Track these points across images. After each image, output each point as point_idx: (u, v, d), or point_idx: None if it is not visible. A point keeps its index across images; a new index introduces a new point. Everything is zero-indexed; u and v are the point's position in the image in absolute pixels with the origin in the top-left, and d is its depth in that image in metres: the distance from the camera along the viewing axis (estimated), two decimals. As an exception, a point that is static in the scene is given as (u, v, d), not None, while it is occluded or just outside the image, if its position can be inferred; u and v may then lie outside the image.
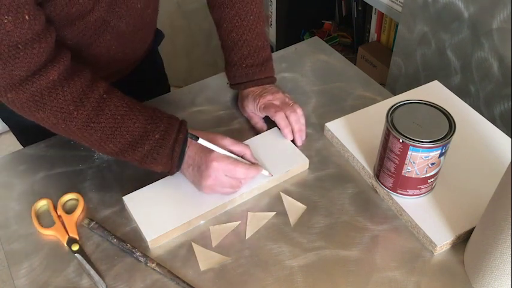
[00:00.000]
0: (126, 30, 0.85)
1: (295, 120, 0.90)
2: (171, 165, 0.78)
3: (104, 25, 0.80)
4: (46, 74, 0.68)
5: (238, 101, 0.99)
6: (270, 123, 0.94)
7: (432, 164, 0.75)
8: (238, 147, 0.82)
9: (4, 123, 1.04)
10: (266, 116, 0.93)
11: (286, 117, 0.90)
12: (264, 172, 0.83)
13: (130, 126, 0.75)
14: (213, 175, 0.77)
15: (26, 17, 0.63)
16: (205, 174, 0.77)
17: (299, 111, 0.92)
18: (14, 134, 1.08)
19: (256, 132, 0.95)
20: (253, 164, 0.82)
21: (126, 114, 0.75)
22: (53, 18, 0.73)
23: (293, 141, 0.91)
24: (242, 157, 0.82)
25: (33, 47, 0.66)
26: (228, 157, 0.79)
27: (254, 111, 0.94)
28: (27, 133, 0.99)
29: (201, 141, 0.77)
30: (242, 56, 0.93)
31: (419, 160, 0.74)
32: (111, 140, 0.75)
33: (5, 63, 0.65)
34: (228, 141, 0.81)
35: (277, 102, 0.92)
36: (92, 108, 0.73)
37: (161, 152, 0.76)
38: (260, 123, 0.95)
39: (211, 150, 0.78)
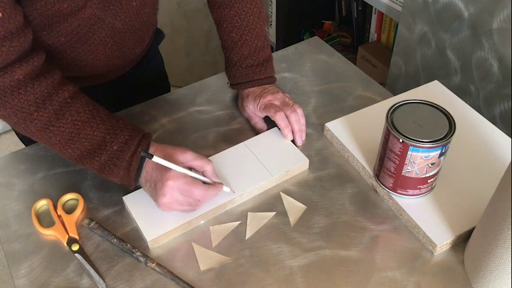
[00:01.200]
0: (122, 28, 0.85)
1: (295, 120, 0.90)
2: (128, 178, 0.76)
3: (98, 22, 0.81)
4: (11, 73, 0.68)
5: (238, 101, 0.99)
6: (270, 123, 0.94)
7: (432, 164, 0.75)
8: (198, 163, 0.77)
9: (5, 123, 1.04)
10: (266, 116, 0.93)
11: (286, 117, 0.90)
12: (225, 189, 0.80)
13: (89, 134, 0.74)
14: (169, 194, 0.74)
15: (0, 14, 0.64)
16: (160, 193, 0.74)
17: (299, 111, 0.92)
18: (16, 133, 1.08)
19: (256, 132, 0.95)
20: (214, 182, 0.79)
21: (87, 121, 0.74)
22: (45, 13, 0.73)
23: (293, 141, 0.91)
24: (203, 173, 0.79)
25: (3, 44, 0.66)
26: (185, 176, 0.75)
27: (254, 111, 0.94)
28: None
29: (155, 159, 0.72)
30: (242, 56, 0.93)
31: (419, 160, 0.74)
32: (69, 146, 0.74)
33: None
34: (189, 156, 0.77)
35: (277, 102, 0.92)
36: (53, 111, 0.72)
37: (118, 164, 0.75)
38: (260, 123, 0.95)
39: (169, 168, 0.74)
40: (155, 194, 0.76)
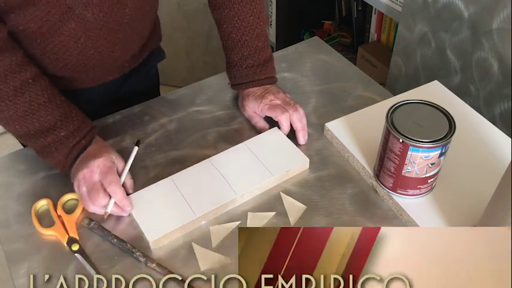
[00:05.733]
0: (94, 22, 0.82)
1: (298, 119, 0.90)
2: (63, 164, 0.81)
3: (68, 11, 0.78)
4: None
5: (238, 101, 0.99)
6: (271, 123, 0.94)
7: (432, 164, 0.75)
8: (121, 163, 0.83)
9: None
10: (266, 115, 0.93)
11: (294, 112, 0.90)
12: (110, 208, 0.79)
13: (42, 116, 0.78)
14: (91, 168, 0.78)
15: None
16: (84, 164, 0.79)
17: (301, 111, 0.92)
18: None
19: (256, 132, 0.95)
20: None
21: (43, 104, 0.78)
22: None
23: (294, 139, 0.91)
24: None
25: None
26: (115, 166, 0.80)
27: (255, 111, 0.94)
28: None
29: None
30: (242, 56, 0.93)
31: (419, 160, 0.74)
32: (19, 122, 0.78)
33: None
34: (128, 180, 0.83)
35: (279, 102, 0.92)
36: (13, 88, 0.75)
37: (60, 149, 0.80)
38: (261, 123, 0.95)
39: (107, 151, 0.81)
40: (78, 164, 0.80)
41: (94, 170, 0.78)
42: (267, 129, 0.94)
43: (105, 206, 0.78)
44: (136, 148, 0.87)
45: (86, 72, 0.92)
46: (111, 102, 1.05)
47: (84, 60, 0.88)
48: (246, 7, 0.91)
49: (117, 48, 0.90)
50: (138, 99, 1.02)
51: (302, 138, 0.91)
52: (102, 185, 0.78)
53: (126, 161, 0.84)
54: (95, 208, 0.79)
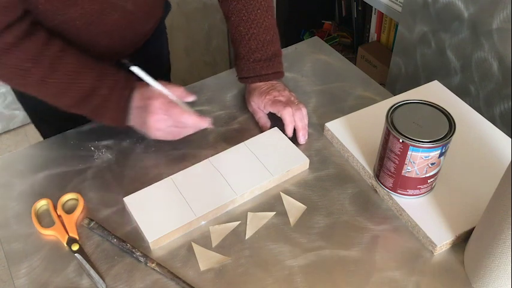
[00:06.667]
0: (133, 9, 0.88)
1: (300, 119, 0.91)
2: (119, 118, 0.84)
3: (110, 6, 0.84)
4: (2, 39, 0.74)
5: (245, 95, 1.00)
6: (273, 121, 0.94)
7: (432, 164, 0.75)
8: (178, 92, 0.87)
9: (5, 123, 1.05)
10: (270, 112, 0.93)
11: (296, 111, 0.90)
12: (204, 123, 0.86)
13: (81, 83, 0.81)
14: (155, 112, 0.82)
15: None
16: (148, 113, 0.82)
17: (304, 110, 0.92)
18: (34, 125, 1.13)
19: (256, 132, 0.95)
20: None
21: (78, 71, 0.81)
22: None
23: (294, 140, 0.91)
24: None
25: None
26: (165, 96, 0.84)
27: (259, 107, 0.94)
28: (48, 123, 1.05)
29: (134, 68, 0.84)
30: (250, 49, 0.94)
31: (419, 160, 0.74)
32: (65, 95, 0.82)
33: None
34: (176, 90, 0.87)
35: (283, 100, 0.92)
36: (48, 65, 0.79)
37: (107, 105, 0.83)
38: (263, 119, 0.95)
39: (152, 92, 0.84)
40: (145, 116, 0.83)
41: (158, 113, 0.82)
42: (268, 126, 0.94)
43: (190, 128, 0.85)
44: (135, 67, 0.87)
45: (124, 47, 0.97)
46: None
47: (124, 39, 0.94)
48: (253, 0, 0.91)
49: (150, 21, 0.98)
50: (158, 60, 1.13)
51: (302, 137, 0.92)
52: (173, 120, 0.83)
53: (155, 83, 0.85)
54: (186, 133, 0.86)
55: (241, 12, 0.92)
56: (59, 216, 0.81)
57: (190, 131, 0.86)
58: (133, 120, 0.85)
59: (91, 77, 0.82)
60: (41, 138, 1.07)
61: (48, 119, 1.03)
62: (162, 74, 1.22)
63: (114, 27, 0.88)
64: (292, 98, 0.93)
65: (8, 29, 0.75)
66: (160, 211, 0.79)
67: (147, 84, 0.85)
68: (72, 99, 0.82)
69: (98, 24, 0.85)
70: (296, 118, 0.91)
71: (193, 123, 0.85)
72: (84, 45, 0.88)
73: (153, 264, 0.74)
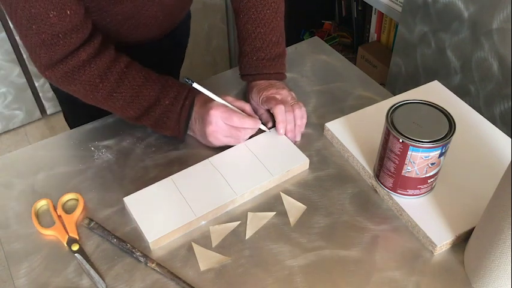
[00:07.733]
0: (170, 2, 0.94)
1: (290, 120, 0.90)
2: (178, 129, 0.88)
3: (150, 1, 0.90)
4: (78, 56, 0.80)
5: (246, 93, 1.00)
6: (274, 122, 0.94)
7: (432, 164, 0.75)
8: (238, 103, 0.90)
9: (5, 123, 1.05)
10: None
11: (287, 112, 0.90)
12: (262, 126, 0.91)
13: (146, 95, 0.86)
14: (214, 122, 0.85)
15: (68, 12, 0.76)
16: (207, 122, 0.86)
17: (303, 109, 0.92)
18: (64, 115, 1.23)
19: (258, 131, 0.94)
20: (252, 116, 0.90)
21: (143, 84, 0.86)
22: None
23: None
24: (243, 111, 0.90)
25: (71, 36, 0.78)
26: (225, 106, 0.87)
27: (258, 103, 0.94)
28: (77, 114, 1.08)
29: (195, 85, 0.86)
30: (254, 48, 0.94)
31: (419, 160, 0.74)
32: (131, 107, 0.87)
33: (48, 48, 0.78)
34: (229, 98, 0.90)
35: (278, 97, 0.92)
36: (115, 80, 0.84)
37: (170, 116, 0.87)
38: (265, 115, 0.95)
39: (211, 102, 0.87)
40: (202, 126, 0.87)
41: (217, 121, 0.86)
42: (270, 123, 0.93)
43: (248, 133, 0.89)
44: (196, 83, 0.88)
45: (159, 34, 1.02)
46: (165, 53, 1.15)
47: (160, 29, 1.00)
48: (264, 0, 0.92)
49: (183, 10, 1.06)
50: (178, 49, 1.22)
51: (292, 135, 0.91)
52: (234, 125, 0.87)
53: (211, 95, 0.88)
54: (247, 135, 0.90)
55: (251, 10, 0.93)
56: (59, 216, 0.81)
57: (251, 133, 0.90)
58: (193, 124, 0.89)
59: (155, 89, 0.87)
60: (41, 139, 1.07)
61: (78, 112, 1.05)
62: (179, 65, 1.32)
63: (153, 19, 0.94)
64: (290, 98, 0.93)
65: (82, 47, 0.80)
66: (160, 211, 0.79)
67: (206, 96, 0.88)
68: (137, 110, 0.87)
69: (138, 17, 0.91)
70: (288, 118, 0.90)
71: (253, 125, 0.88)
72: (121, 36, 0.93)
73: (153, 264, 0.74)
